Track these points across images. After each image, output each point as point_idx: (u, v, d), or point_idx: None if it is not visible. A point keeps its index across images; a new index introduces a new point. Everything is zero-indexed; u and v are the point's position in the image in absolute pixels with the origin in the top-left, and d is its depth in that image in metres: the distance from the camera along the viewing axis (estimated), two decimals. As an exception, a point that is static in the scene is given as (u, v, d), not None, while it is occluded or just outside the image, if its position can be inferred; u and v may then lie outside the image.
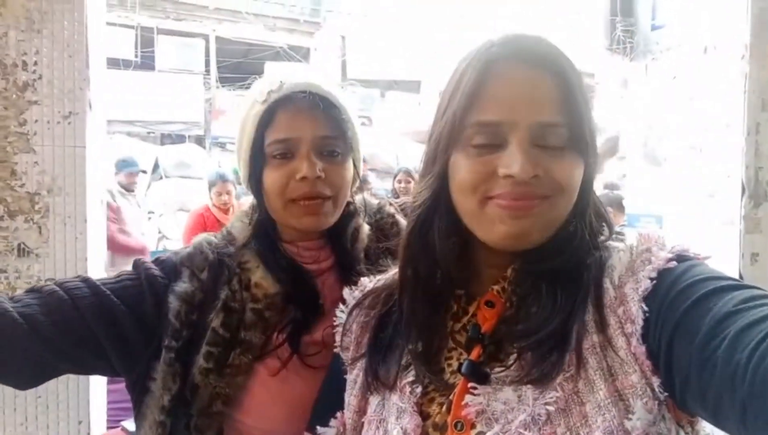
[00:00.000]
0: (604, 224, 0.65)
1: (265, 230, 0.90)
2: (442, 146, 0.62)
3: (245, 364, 0.82)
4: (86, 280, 0.82)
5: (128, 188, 4.39)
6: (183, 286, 0.84)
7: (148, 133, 11.38)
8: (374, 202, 1.01)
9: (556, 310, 0.59)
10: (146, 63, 11.32)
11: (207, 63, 12.25)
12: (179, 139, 11.72)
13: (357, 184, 0.93)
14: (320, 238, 0.91)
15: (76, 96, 1.33)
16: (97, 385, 1.43)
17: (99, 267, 1.47)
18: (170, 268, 0.87)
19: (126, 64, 10.40)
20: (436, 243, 0.64)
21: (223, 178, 4.05)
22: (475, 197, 0.60)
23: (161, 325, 0.82)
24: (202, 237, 0.92)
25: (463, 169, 0.60)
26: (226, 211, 4.01)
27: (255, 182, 0.87)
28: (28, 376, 0.77)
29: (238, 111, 0.89)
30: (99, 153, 1.43)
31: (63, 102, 1.32)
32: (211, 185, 4.02)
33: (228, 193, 4.01)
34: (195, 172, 8.15)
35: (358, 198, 0.97)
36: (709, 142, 2.23)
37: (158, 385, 0.81)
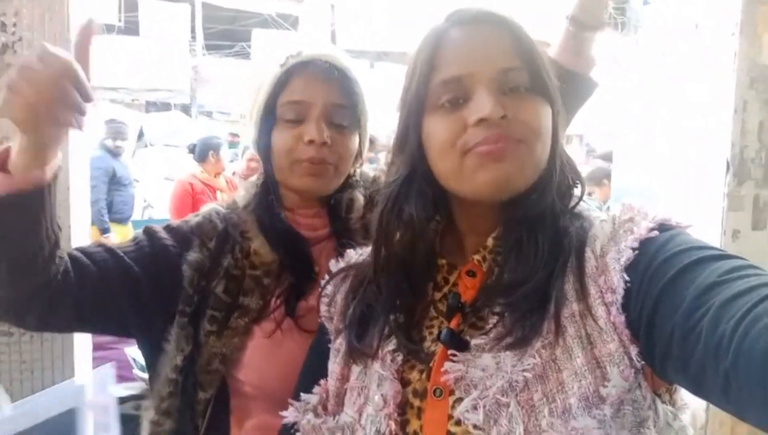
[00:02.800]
0: (574, 176, 0.66)
1: (266, 194, 0.94)
2: (413, 119, 0.63)
3: (242, 327, 0.88)
4: (106, 248, 0.87)
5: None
6: (194, 255, 0.89)
7: (133, 100, 11.18)
8: (370, 174, 1.03)
9: (536, 271, 0.60)
10: (130, 28, 11.06)
11: (193, 29, 12.00)
12: (164, 106, 11.55)
13: (360, 161, 0.96)
14: (318, 207, 0.94)
15: (57, 59, 1.30)
16: (83, 351, 1.43)
17: (82, 235, 1.45)
18: (181, 236, 0.91)
19: (109, 29, 10.15)
20: (415, 218, 0.64)
21: (218, 148, 4.00)
22: (454, 154, 0.60)
23: (175, 291, 0.88)
24: (210, 206, 0.96)
25: (436, 130, 0.61)
26: (216, 176, 3.98)
27: (263, 144, 0.91)
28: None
29: (255, 77, 0.92)
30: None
31: (44, 65, 1.29)
32: (207, 152, 3.95)
33: (221, 160, 3.98)
34: (180, 140, 8.06)
35: (357, 171, 1.00)
36: (698, 119, 2.24)
37: (172, 346, 0.87)
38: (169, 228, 0.93)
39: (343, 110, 0.89)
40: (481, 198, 0.62)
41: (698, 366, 0.47)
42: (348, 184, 0.96)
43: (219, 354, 0.87)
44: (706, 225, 2.10)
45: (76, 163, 1.36)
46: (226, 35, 11.99)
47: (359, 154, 0.95)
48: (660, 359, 0.51)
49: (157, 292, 0.87)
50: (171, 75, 11.41)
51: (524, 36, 0.63)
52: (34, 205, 0.72)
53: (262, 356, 0.88)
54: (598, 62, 0.94)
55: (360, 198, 0.97)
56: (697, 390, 0.49)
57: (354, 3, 11.35)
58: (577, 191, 0.66)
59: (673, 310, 0.50)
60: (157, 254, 0.88)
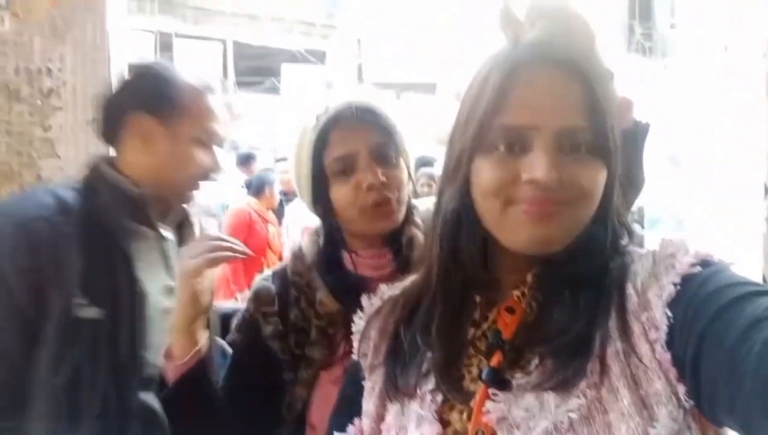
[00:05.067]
0: (625, 231, 0.64)
1: (330, 245, 0.97)
2: (468, 151, 0.62)
3: (306, 379, 0.92)
4: (229, 393, 0.93)
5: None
6: (268, 328, 0.93)
7: (167, 137, 11.50)
8: (421, 207, 1.05)
9: (578, 314, 0.58)
10: (165, 67, 11.45)
11: (225, 66, 12.37)
12: (198, 142, 11.83)
13: (410, 184, 0.99)
14: (380, 246, 0.96)
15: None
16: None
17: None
18: (247, 326, 0.96)
19: (145, 69, 10.53)
20: (464, 248, 0.63)
21: (273, 183, 4.16)
22: (498, 201, 0.59)
23: (281, 368, 0.94)
24: (258, 278, 1.01)
25: (486, 173, 0.60)
26: (267, 209, 4.11)
27: (322, 203, 0.94)
28: None
29: (292, 143, 0.96)
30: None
31: (87, 108, 1.35)
32: (263, 186, 4.11)
33: (274, 195, 4.18)
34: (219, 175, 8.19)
35: (422, 208, 1.02)
36: (731, 142, 2.20)
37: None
38: (236, 329, 0.97)
39: (385, 146, 0.91)
40: (518, 252, 0.61)
41: (745, 407, 0.45)
42: (406, 219, 0.97)
43: (286, 403, 0.92)
44: (747, 250, 2.04)
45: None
46: (257, 71, 12.31)
47: (409, 176, 0.97)
48: (708, 400, 0.50)
49: (275, 381, 0.94)
50: (204, 111, 11.71)
51: (596, 86, 0.60)
52: (203, 373, 0.85)
53: (328, 402, 0.87)
54: (632, 105, 0.82)
55: (419, 235, 0.98)
56: (747, 432, 0.47)
57: (379, 37, 11.56)
58: (622, 242, 0.64)
59: (718, 348, 0.48)
60: (252, 361, 0.94)
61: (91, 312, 0.90)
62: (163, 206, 1.04)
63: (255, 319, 0.95)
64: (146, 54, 10.76)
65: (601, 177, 0.60)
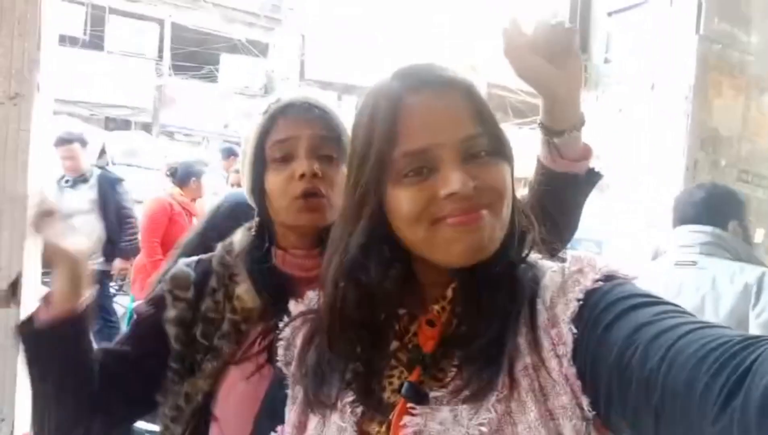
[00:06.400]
0: (528, 223, 0.67)
1: (261, 238, 0.96)
2: (373, 186, 0.62)
3: (210, 370, 0.89)
4: (105, 351, 0.90)
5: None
6: (172, 312, 0.91)
7: (91, 114, 10.90)
8: None
9: (492, 320, 0.60)
10: (95, 42, 10.87)
11: (161, 49, 11.89)
12: (124, 124, 11.32)
13: None
14: (312, 247, 0.94)
15: (23, 77, 1.27)
16: (23, 383, 1.36)
17: (35, 255, 1.40)
18: (158, 300, 0.93)
19: (73, 42, 9.96)
20: (375, 283, 0.63)
21: (200, 175, 3.97)
22: (422, 224, 0.60)
23: (165, 354, 0.91)
24: (182, 260, 0.99)
25: (403, 201, 0.61)
26: (192, 201, 3.91)
27: (257, 189, 0.93)
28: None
29: (246, 133, 0.97)
30: (45, 138, 1.36)
31: (10, 82, 1.25)
32: (189, 176, 3.91)
33: (201, 186, 3.95)
34: (143, 160, 7.87)
35: None
36: (651, 174, 2.34)
37: (168, 402, 0.91)
38: (151, 300, 0.95)
39: (329, 141, 0.91)
40: (454, 266, 0.62)
41: (634, 406, 0.49)
42: None
43: (183, 393, 0.89)
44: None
45: (36, 184, 1.31)
46: (194, 57, 11.92)
47: None
48: (604, 405, 0.53)
49: (160, 363, 0.90)
50: (134, 92, 11.23)
51: (477, 96, 0.64)
52: (73, 329, 0.82)
53: (238, 397, 0.88)
54: (591, 153, 0.84)
55: None
56: (637, 431, 0.51)
57: (324, 35, 11.51)
58: (529, 237, 0.66)
59: (608, 354, 0.51)
60: (146, 335, 0.91)
61: None
62: None
63: (164, 298, 0.93)
64: (75, 28, 10.17)
65: (507, 173, 0.63)
